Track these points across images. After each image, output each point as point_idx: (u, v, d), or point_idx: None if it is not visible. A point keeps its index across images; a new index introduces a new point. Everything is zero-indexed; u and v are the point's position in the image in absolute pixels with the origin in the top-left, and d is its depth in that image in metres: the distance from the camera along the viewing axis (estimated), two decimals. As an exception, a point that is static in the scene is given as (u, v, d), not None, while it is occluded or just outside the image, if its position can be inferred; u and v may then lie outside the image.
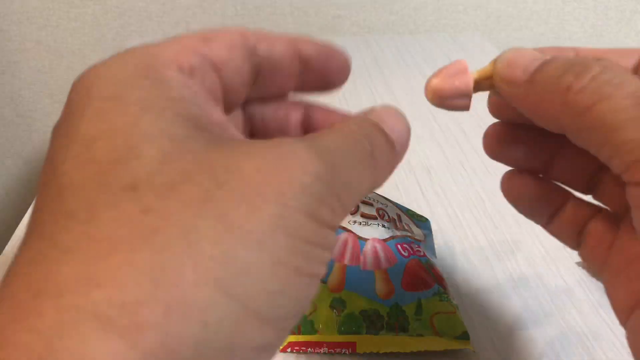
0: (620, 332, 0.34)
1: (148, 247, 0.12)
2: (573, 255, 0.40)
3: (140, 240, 0.12)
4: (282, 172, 0.14)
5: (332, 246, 0.15)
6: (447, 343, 0.32)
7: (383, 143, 0.17)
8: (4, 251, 0.39)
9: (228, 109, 0.18)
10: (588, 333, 0.34)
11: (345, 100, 0.63)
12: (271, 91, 0.20)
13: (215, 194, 0.13)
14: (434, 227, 0.42)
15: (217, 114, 0.16)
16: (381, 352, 0.32)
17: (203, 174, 0.13)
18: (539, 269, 0.39)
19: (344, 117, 0.19)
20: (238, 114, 0.20)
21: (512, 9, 0.89)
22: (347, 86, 0.66)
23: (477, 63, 0.82)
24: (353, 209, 0.37)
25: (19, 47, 0.88)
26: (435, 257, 0.38)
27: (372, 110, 0.18)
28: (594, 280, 0.38)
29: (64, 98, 0.92)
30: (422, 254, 0.35)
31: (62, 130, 0.14)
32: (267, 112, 0.20)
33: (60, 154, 0.14)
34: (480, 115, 0.59)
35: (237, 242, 0.12)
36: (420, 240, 0.37)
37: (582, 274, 0.38)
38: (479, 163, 0.51)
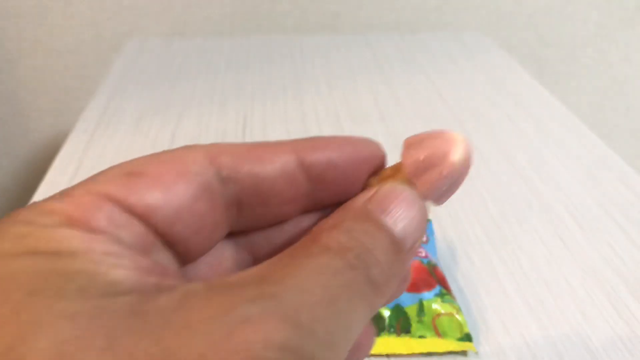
0: (624, 333, 0.33)
1: None
2: (576, 256, 0.39)
3: None
4: (234, 355, 0.10)
5: None
6: (449, 344, 0.31)
7: (385, 251, 0.14)
8: None
9: (188, 253, 0.14)
10: (591, 334, 0.33)
11: (345, 100, 0.62)
12: (267, 219, 0.16)
13: None
14: (435, 227, 0.42)
15: (143, 270, 0.12)
16: (382, 354, 0.31)
17: None
18: (542, 270, 0.38)
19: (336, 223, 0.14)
20: (223, 250, 0.16)
21: (514, 7, 0.89)
22: (347, 86, 0.65)
23: (480, 62, 0.81)
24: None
25: (15, 45, 0.87)
26: (437, 257, 0.38)
27: (372, 196, 0.15)
28: (597, 280, 0.37)
29: (61, 97, 0.92)
30: (423, 254, 0.35)
31: None
32: (271, 237, 0.16)
33: None
34: (482, 114, 0.59)
35: None
36: (421, 241, 0.37)
37: (585, 275, 0.38)
38: (481, 162, 0.50)
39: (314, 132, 0.55)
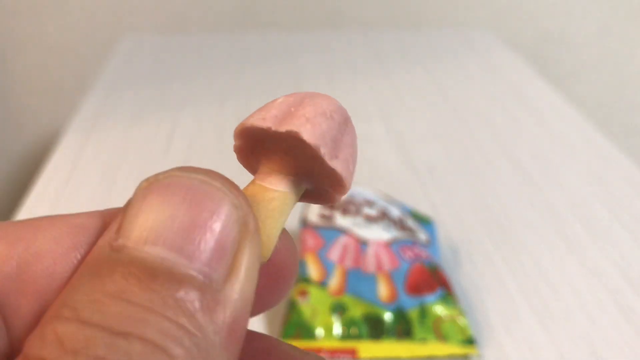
0: (630, 337, 0.33)
1: None
2: (580, 258, 0.39)
3: None
4: None
5: None
6: (451, 348, 0.31)
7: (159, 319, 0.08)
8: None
9: None
10: (595, 337, 0.33)
11: (346, 98, 0.62)
12: None
13: None
14: (438, 228, 0.41)
15: None
16: (383, 357, 0.31)
17: None
18: (546, 272, 0.37)
19: None
20: None
21: (518, 3, 0.88)
22: (347, 84, 0.65)
23: (483, 59, 0.80)
24: (354, 208, 0.36)
25: (9, 43, 0.86)
26: (440, 259, 0.37)
27: (119, 224, 0.09)
28: (602, 283, 0.37)
29: (56, 96, 0.91)
30: (425, 256, 0.34)
31: None
32: None
33: None
34: (485, 112, 0.58)
35: None
36: (423, 243, 0.36)
37: (590, 277, 0.37)
38: (484, 162, 0.50)
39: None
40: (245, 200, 0.10)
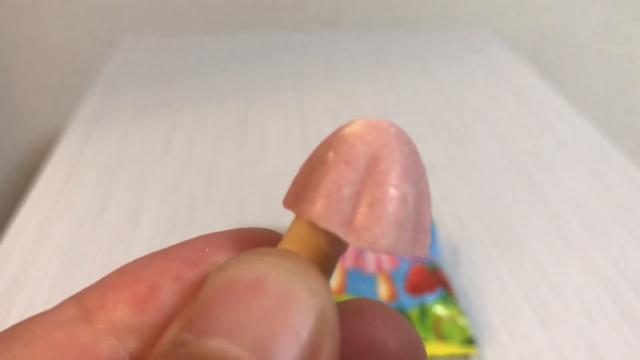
0: (630, 336, 0.33)
1: None
2: (580, 258, 0.39)
3: None
4: None
5: None
6: (451, 348, 0.31)
7: None
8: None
9: None
10: (597, 338, 0.33)
11: (346, 98, 0.62)
12: None
13: None
14: (439, 229, 0.41)
15: None
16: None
17: None
18: (546, 272, 0.37)
19: None
20: None
21: (518, 2, 0.88)
22: (347, 85, 0.65)
23: (483, 58, 0.80)
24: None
25: (8, 42, 0.86)
26: (440, 259, 0.37)
27: (189, 314, 0.09)
28: (602, 284, 0.37)
29: (55, 96, 0.91)
30: (425, 256, 0.34)
31: None
32: None
33: None
34: (485, 112, 0.58)
35: None
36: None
37: (590, 276, 0.37)
38: (484, 162, 0.50)
39: (313, 130, 0.55)
40: (326, 291, 0.09)
